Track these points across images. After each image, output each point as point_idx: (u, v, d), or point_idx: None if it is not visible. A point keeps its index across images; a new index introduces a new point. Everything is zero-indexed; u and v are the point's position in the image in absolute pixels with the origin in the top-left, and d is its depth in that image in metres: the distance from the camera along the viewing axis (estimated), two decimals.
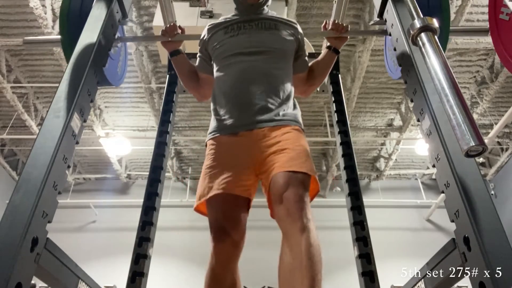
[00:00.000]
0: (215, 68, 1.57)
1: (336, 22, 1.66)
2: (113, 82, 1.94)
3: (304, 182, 1.24)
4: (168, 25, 1.69)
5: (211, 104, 1.53)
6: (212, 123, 1.48)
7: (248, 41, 1.52)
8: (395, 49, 1.79)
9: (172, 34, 1.67)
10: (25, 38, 1.93)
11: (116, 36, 1.90)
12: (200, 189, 1.35)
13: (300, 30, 1.68)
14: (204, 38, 1.66)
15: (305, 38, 1.73)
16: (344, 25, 1.66)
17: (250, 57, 1.47)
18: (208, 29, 1.67)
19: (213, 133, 1.45)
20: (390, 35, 1.84)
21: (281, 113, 1.40)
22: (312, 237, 1.10)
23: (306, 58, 1.68)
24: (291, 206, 1.15)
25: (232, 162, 1.35)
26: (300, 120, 1.47)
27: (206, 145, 1.48)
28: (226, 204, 1.30)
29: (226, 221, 1.27)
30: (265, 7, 1.65)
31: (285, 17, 1.70)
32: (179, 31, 1.70)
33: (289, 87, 1.50)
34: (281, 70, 1.51)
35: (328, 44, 1.70)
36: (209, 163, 1.39)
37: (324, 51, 1.71)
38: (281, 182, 1.22)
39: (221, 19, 1.67)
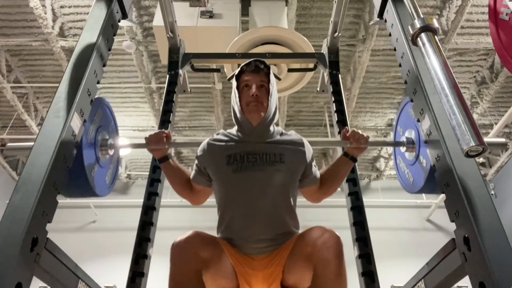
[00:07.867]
0: (220, 198, 1.56)
1: (356, 132, 1.58)
2: (98, 192, 1.63)
3: None
4: (153, 134, 1.59)
5: (218, 222, 1.55)
6: (223, 233, 1.51)
7: (251, 183, 1.47)
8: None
9: (161, 143, 1.58)
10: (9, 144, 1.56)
11: (108, 143, 1.73)
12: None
13: (308, 149, 1.61)
14: (204, 157, 1.59)
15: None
16: (365, 135, 1.58)
17: (253, 198, 1.47)
18: (208, 147, 1.59)
19: (222, 238, 1.49)
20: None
21: (279, 243, 1.44)
22: None
23: (317, 174, 1.61)
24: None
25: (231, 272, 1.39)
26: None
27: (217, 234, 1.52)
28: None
29: None
30: (271, 127, 1.55)
31: (291, 134, 1.65)
32: (164, 136, 1.59)
33: (289, 221, 1.51)
34: (284, 207, 1.50)
35: (345, 151, 1.62)
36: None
37: (340, 158, 1.62)
38: None
39: (222, 137, 1.60)
